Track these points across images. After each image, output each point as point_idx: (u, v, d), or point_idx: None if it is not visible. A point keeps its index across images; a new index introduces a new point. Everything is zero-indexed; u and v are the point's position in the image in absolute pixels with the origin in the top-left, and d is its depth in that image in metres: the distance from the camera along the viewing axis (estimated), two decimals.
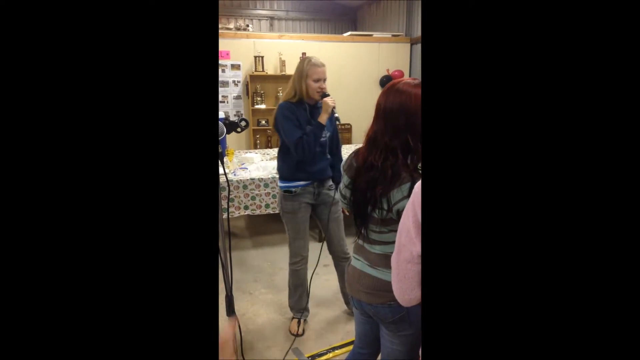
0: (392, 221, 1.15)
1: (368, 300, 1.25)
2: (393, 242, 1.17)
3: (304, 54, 5.20)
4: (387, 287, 1.19)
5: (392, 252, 1.18)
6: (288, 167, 2.13)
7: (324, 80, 2.03)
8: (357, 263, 1.30)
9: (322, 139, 2.09)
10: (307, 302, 2.39)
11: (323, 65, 2.03)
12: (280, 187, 2.19)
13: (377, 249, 1.23)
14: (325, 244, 2.28)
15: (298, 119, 2.04)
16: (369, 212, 1.18)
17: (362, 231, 1.25)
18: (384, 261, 1.21)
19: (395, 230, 1.15)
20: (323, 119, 2.01)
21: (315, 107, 2.10)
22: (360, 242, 1.30)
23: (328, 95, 2.04)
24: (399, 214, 1.10)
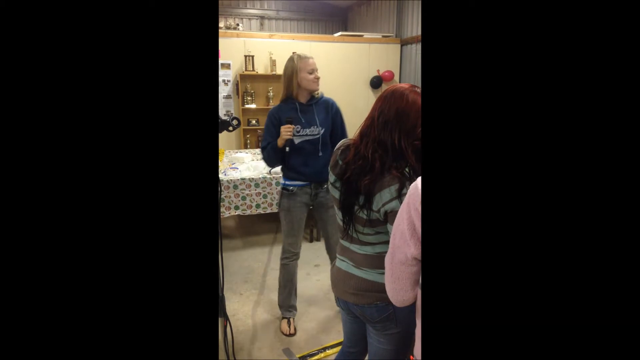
0: (378, 222, 1.15)
1: (354, 301, 1.26)
2: (378, 243, 1.19)
3: (294, 53, 5.19)
4: (372, 287, 1.21)
5: (376, 253, 1.20)
6: (285, 167, 2.20)
7: (316, 70, 2.07)
8: (342, 264, 1.31)
9: (314, 137, 2.09)
10: (296, 300, 2.39)
11: (312, 57, 2.08)
12: (281, 183, 2.25)
13: (362, 250, 1.24)
14: (318, 244, 2.28)
15: (280, 124, 2.07)
16: (356, 212, 1.18)
17: (349, 232, 1.25)
18: (369, 261, 1.22)
19: (381, 232, 1.17)
20: (280, 142, 2.05)
21: (306, 106, 2.11)
22: (346, 243, 1.29)
23: (291, 121, 2.04)
24: (386, 215, 1.11)
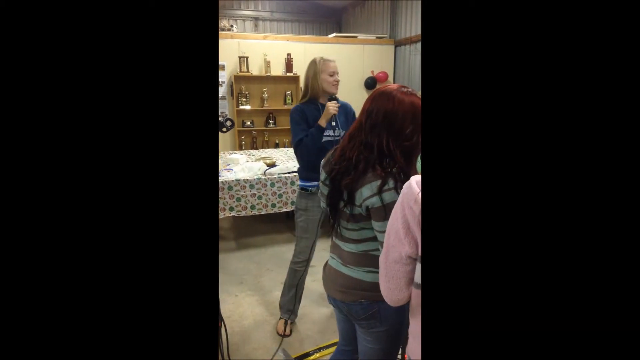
0: (361, 217, 1.17)
1: (341, 298, 1.28)
2: (362, 241, 1.21)
3: (289, 54, 5.21)
4: (358, 285, 1.23)
5: (361, 251, 1.22)
6: (303, 167, 2.20)
7: (337, 73, 2.09)
8: (333, 262, 1.33)
9: (335, 138, 2.12)
10: (298, 305, 2.38)
11: (334, 60, 2.10)
12: (299, 184, 2.25)
13: (348, 247, 1.26)
14: (315, 244, 2.28)
15: (307, 121, 2.10)
16: (341, 208, 1.20)
17: (336, 228, 1.27)
18: (354, 259, 1.24)
19: (365, 228, 1.19)
20: (322, 122, 2.05)
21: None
22: (336, 240, 1.32)
23: (335, 99, 2.08)
24: (368, 210, 1.12)
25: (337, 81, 2.10)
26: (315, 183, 2.17)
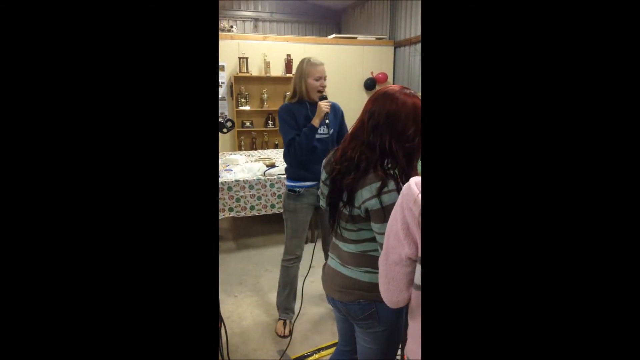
0: (360, 218, 1.17)
1: (340, 298, 1.28)
2: (361, 241, 1.22)
3: (288, 55, 5.21)
4: (356, 285, 1.23)
5: (360, 252, 1.23)
6: (291, 167, 2.18)
7: (324, 78, 2.07)
8: (332, 262, 1.33)
9: (324, 136, 2.11)
10: (294, 303, 2.38)
11: (322, 64, 2.08)
12: (286, 185, 2.23)
13: (347, 248, 1.26)
14: (316, 245, 2.28)
15: (295, 120, 2.08)
16: (340, 208, 1.21)
17: (335, 228, 1.28)
18: (353, 259, 1.24)
19: (364, 229, 1.19)
20: (316, 121, 2.04)
21: (316, 106, 2.10)
22: (336, 240, 1.32)
23: (325, 98, 2.07)
24: (367, 212, 1.13)
25: (324, 86, 2.08)
26: (304, 184, 2.17)
